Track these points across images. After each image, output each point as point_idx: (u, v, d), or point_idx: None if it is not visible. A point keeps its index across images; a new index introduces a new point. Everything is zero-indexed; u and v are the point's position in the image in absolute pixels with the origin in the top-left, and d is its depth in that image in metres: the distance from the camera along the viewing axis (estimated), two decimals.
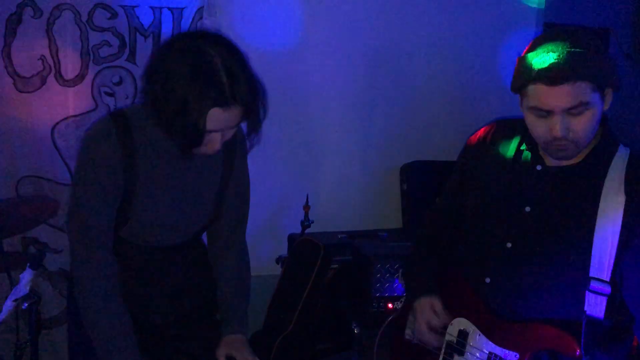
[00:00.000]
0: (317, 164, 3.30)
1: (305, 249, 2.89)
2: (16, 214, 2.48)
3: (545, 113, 1.43)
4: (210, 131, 1.46)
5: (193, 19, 2.96)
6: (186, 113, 1.41)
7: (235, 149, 1.74)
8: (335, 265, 2.86)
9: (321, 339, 2.83)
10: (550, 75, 1.38)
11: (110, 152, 1.55)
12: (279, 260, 3.05)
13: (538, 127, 1.46)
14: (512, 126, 1.62)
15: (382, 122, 3.39)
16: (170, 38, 1.53)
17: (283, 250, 3.10)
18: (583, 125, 1.42)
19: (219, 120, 1.45)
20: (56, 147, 2.92)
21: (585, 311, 1.44)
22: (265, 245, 3.03)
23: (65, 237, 2.96)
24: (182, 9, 2.93)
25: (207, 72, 1.41)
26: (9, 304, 1.85)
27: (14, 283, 2.45)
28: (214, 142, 1.50)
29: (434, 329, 1.68)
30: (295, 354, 2.72)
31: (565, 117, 1.41)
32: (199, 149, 1.51)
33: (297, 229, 3.03)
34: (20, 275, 1.88)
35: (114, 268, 1.63)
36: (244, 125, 1.60)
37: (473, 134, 1.74)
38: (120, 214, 1.62)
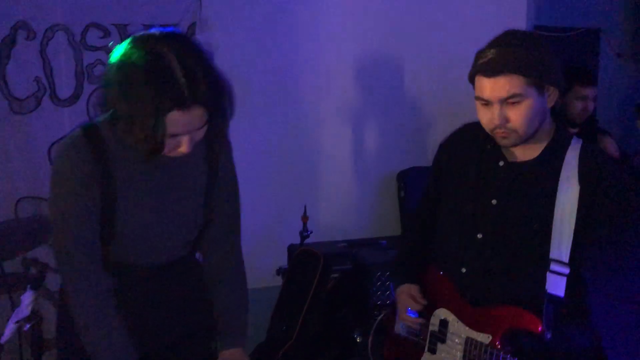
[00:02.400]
0: (314, 174, 3.31)
1: (305, 260, 2.89)
2: (16, 235, 2.49)
3: (486, 102, 1.59)
4: (173, 135, 1.40)
5: (187, 33, 2.97)
6: (144, 118, 1.34)
7: (219, 149, 1.65)
8: (336, 275, 2.86)
9: (324, 349, 2.83)
10: (488, 68, 1.55)
11: (82, 163, 1.48)
12: (279, 271, 3.05)
13: (483, 116, 1.63)
14: (477, 128, 1.73)
15: (378, 130, 3.40)
16: (125, 42, 1.44)
17: (283, 261, 3.10)
18: (519, 115, 1.56)
19: (180, 123, 1.38)
20: None
21: (547, 290, 1.56)
22: (265, 256, 3.03)
23: None
24: (175, 25, 2.95)
25: (162, 73, 1.34)
26: (11, 326, 1.85)
27: (15, 304, 2.45)
28: (182, 145, 1.43)
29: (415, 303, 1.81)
30: None
31: (503, 106, 1.56)
32: (167, 153, 1.44)
33: (296, 240, 3.04)
34: (22, 297, 1.87)
35: (107, 284, 1.57)
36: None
37: (445, 138, 1.90)
38: (105, 229, 1.54)
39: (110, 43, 1.74)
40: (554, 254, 1.57)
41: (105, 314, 1.56)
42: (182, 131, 1.41)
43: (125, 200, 1.54)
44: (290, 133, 3.22)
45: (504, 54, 1.54)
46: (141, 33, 1.44)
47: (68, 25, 2.84)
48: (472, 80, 1.64)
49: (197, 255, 1.79)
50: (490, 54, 1.55)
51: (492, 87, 1.56)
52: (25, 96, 2.85)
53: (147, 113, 1.34)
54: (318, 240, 3.07)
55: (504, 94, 1.55)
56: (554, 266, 1.57)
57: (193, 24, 2.98)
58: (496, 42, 1.58)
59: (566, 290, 1.55)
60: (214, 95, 1.41)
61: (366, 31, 3.30)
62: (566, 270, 1.56)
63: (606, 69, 4.29)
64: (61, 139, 1.64)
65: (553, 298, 1.55)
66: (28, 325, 1.87)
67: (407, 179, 3.32)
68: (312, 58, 3.23)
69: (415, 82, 3.41)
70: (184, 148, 1.44)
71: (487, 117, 1.61)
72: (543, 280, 1.57)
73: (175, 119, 1.37)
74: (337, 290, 2.85)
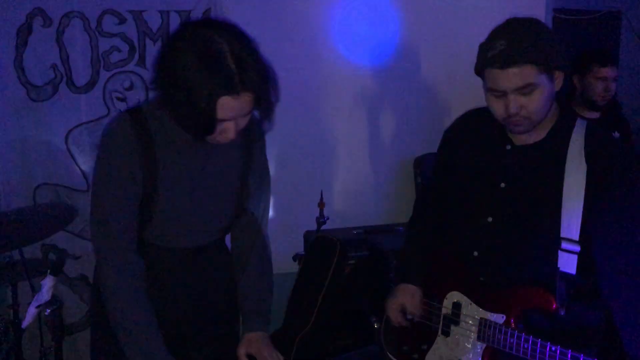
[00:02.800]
0: (330, 161, 3.30)
1: (322, 246, 2.89)
2: (34, 221, 2.51)
3: (500, 93, 1.61)
4: (222, 120, 1.44)
5: None
6: (196, 104, 1.39)
7: (254, 138, 1.71)
8: (352, 261, 2.86)
9: (341, 335, 2.83)
10: (500, 60, 1.57)
11: (128, 147, 1.54)
12: (295, 257, 3.05)
13: (495, 106, 1.65)
14: (483, 113, 1.76)
15: (395, 116, 3.38)
16: (177, 28, 1.50)
17: (299, 247, 3.10)
18: (533, 103, 1.59)
19: (230, 109, 1.43)
20: (70, 154, 2.95)
21: (559, 268, 1.59)
22: (281, 243, 3.02)
23: (83, 243, 3.00)
24: (190, 11, 2.95)
25: (215, 60, 1.39)
26: (32, 311, 1.87)
27: (35, 290, 2.48)
28: (227, 131, 1.48)
29: (404, 312, 1.88)
30: (316, 351, 2.73)
31: (517, 96, 1.59)
32: (213, 138, 1.49)
33: (313, 226, 3.04)
34: (42, 282, 1.89)
35: (140, 267, 1.61)
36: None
37: (449, 125, 1.92)
38: (143, 212, 1.60)
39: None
40: (564, 232, 1.59)
41: (136, 295, 1.60)
42: (231, 116, 1.45)
43: (165, 185, 1.59)
44: (306, 119, 3.20)
45: (515, 45, 1.56)
46: (194, 20, 1.48)
47: (84, 12, 2.85)
48: (480, 72, 1.66)
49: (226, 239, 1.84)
50: (500, 45, 1.57)
51: (506, 78, 1.57)
52: (42, 83, 2.87)
53: (199, 98, 1.38)
54: (334, 227, 3.06)
55: (519, 84, 1.57)
56: (565, 244, 1.59)
57: (208, 10, 2.97)
58: (503, 33, 1.60)
59: (577, 267, 1.58)
60: (262, 82, 1.45)
61: (383, 17, 3.26)
62: (577, 248, 1.58)
63: (627, 52, 4.22)
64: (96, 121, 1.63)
65: (565, 276, 1.58)
66: (49, 310, 1.89)
67: (424, 165, 3.29)
68: (329, 44, 3.20)
69: (432, 67, 3.37)
70: (230, 134, 1.49)
71: (501, 107, 1.63)
72: (555, 258, 1.60)
73: (226, 105, 1.41)
74: (354, 277, 2.85)
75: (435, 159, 1.96)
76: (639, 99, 4.19)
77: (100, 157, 1.59)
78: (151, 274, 1.65)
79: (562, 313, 1.56)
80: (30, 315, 1.87)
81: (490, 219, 1.72)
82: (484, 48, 1.63)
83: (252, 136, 1.70)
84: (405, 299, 1.87)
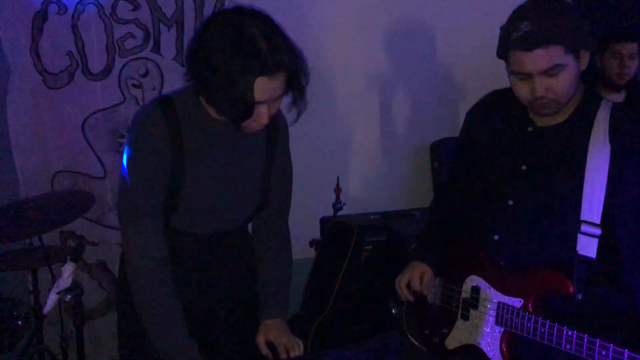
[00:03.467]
0: (346, 146, 3.28)
1: (338, 231, 2.89)
2: (53, 208, 2.53)
3: (526, 76, 1.57)
4: (259, 102, 1.47)
5: (215, 6, 2.95)
6: (233, 87, 1.43)
7: (278, 130, 1.74)
8: (370, 247, 2.85)
9: (359, 320, 2.83)
10: (525, 41, 1.52)
11: (158, 136, 1.57)
12: (312, 243, 3.05)
13: (521, 89, 1.61)
14: (505, 95, 1.73)
15: (410, 100, 3.35)
16: (208, 17, 1.56)
17: (316, 233, 3.10)
18: (560, 84, 1.56)
19: (266, 90, 1.46)
20: (87, 141, 2.96)
21: (577, 251, 1.56)
22: (298, 228, 2.98)
23: (101, 230, 3.02)
24: None
25: (247, 43, 1.43)
26: (53, 297, 1.88)
27: (55, 276, 2.51)
28: (262, 116, 1.51)
29: (410, 289, 1.87)
30: (334, 336, 2.73)
31: (544, 78, 1.55)
32: (248, 124, 1.52)
33: (329, 212, 3.03)
34: (62, 268, 1.91)
35: (165, 252, 1.65)
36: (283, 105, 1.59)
37: (471, 107, 1.89)
38: (170, 200, 1.63)
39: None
40: (584, 215, 1.57)
41: (161, 280, 1.63)
42: (267, 97, 1.49)
43: (191, 173, 1.62)
44: (321, 105, 3.17)
45: (540, 25, 1.51)
46: (223, 9, 1.50)
47: None
48: (503, 55, 1.62)
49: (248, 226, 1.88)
50: (525, 26, 1.52)
51: (532, 60, 1.53)
52: (58, 70, 2.87)
53: (236, 82, 1.42)
54: (350, 213, 3.05)
55: (545, 65, 1.53)
56: (585, 227, 1.57)
57: None
58: (526, 13, 1.55)
59: (598, 251, 1.55)
60: (292, 62, 1.49)
61: (396, 2, 3.21)
62: (598, 232, 1.55)
63: None
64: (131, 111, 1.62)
65: (584, 259, 1.56)
66: (69, 296, 1.90)
67: (440, 150, 3.27)
68: (342, 28, 3.17)
69: (447, 51, 3.33)
70: (264, 119, 1.52)
71: (526, 90, 1.60)
72: (574, 242, 1.58)
73: (262, 86, 1.45)
74: (371, 262, 2.84)
75: (458, 141, 1.94)
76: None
77: (129, 145, 1.62)
78: (174, 258, 1.68)
79: (580, 298, 1.54)
80: (51, 301, 1.89)
81: (511, 202, 1.70)
82: (506, 30, 1.59)
83: (277, 128, 1.73)
84: (413, 276, 1.86)
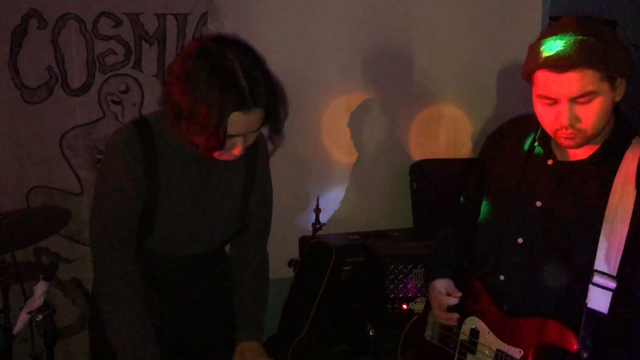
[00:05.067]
0: (326, 166, 3.28)
1: (317, 252, 2.88)
2: (27, 224, 2.48)
3: (552, 101, 1.42)
4: (232, 136, 1.45)
5: (197, 24, 2.95)
6: (207, 118, 1.40)
7: (257, 154, 1.73)
8: (348, 267, 2.85)
9: (336, 342, 2.81)
10: (557, 63, 1.37)
11: (133, 159, 1.55)
12: (290, 263, 3.04)
13: (545, 115, 1.46)
14: (528, 121, 1.60)
15: (390, 122, 3.37)
16: (188, 44, 1.54)
17: (295, 253, 3.09)
18: (591, 114, 1.40)
19: (240, 124, 1.44)
20: (65, 157, 2.93)
21: (586, 304, 1.42)
22: (277, 248, 2.98)
23: (76, 247, 2.97)
24: (187, 14, 2.93)
25: (226, 76, 1.41)
26: (23, 317, 1.84)
27: (27, 294, 2.45)
28: (235, 147, 1.49)
29: (446, 308, 1.71)
30: (311, 358, 2.71)
31: (572, 105, 1.40)
32: (221, 154, 1.50)
33: (309, 232, 3.02)
34: (34, 287, 1.87)
35: (137, 275, 1.62)
36: (264, 130, 1.58)
37: (493, 130, 1.75)
38: (144, 224, 1.61)
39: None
40: (599, 265, 1.42)
41: (131, 303, 1.61)
42: (241, 132, 1.47)
43: (166, 198, 1.60)
44: (302, 124, 3.19)
45: (575, 46, 1.35)
46: (205, 36, 1.50)
47: (79, 14, 2.82)
48: (529, 76, 1.47)
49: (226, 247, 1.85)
50: (557, 45, 1.37)
51: (561, 83, 1.38)
52: (36, 85, 2.84)
53: (211, 113, 1.40)
54: (330, 232, 3.05)
55: (575, 91, 1.38)
56: (598, 279, 1.42)
57: (205, 14, 2.95)
58: (560, 32, 1.40)
59: (611, 306, 1.41)
60: (271, 98, 1.47)
61: (378, 22, 3.24)
62: (612, 285, 1.40)
63: None
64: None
65: (594, 314, 1.41)
66: (41, 316, 1.86)
67: (420, 171, 3.29)
68: (325, 50, 3.19)
69: (425, 74, 3.36)
70: (237, 150, 1.50)
71: (551, 117, 1.44)
72: (585, 293, 1.43)
73: (236, 120, 1.43)
74: (350, 283, 2.83)
75: (475, 163, 1.80)
76: (634, 106, 4.20)
77: (103, 166, 1.60)
78: (148, 279, 1.65)
79: (585, 357, 1.39)
80: (21, 321, 1.85)
81: (520, 240, 1.56)
82: (536, 48, 1.43)
83: (257, 154, 1.71)
84: (438, 298, 1.71)
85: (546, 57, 1.38)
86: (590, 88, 1.37)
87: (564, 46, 1.36)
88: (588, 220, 1.45)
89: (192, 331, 1.76)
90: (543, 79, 1.41)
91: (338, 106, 3.27)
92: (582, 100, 1.39)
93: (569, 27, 1.41)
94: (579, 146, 1.47)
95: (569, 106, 1.40)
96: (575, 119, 1.41)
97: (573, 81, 1.37)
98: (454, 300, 1.70)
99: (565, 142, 1.47)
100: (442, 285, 1.74)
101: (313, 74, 3.18)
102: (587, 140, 1.46)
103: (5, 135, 2.84)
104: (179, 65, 1.46)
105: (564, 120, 1.41)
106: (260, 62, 1.49)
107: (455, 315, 1.69)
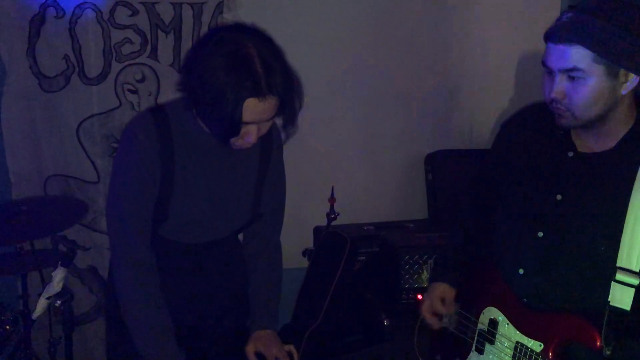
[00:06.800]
0: (341, 156, 3.28)
1: (332, 242, 2.88)
2: (45, 213, 2.51)
3: (548, 70, 1.44)
4: (247, 123, 1.46)
5: (213, 13, 2.94)
6: (223, 104, 1.41)
7: (272, 144, 1.73)
8: (362, 257, 2.85)
9: (350, 331, 2.82)
10: (557, 33, 1.40)
11: (149, 146, 1.56)
12: (305, 253, 3.04)
13: (544, 86, 1.47)
14: (543, 109, 1.54)
15: (405, 112, 3.35)
16: (207, 31, 1.55)
17: (309, 243, 3.09)
18: (578, 94, 1.40)
19: (255, 111, 1.45)
20: (82, 146, 2.95)
21: (609, 301, 1.41)
22: (291, 238, 3.00)
23: (93, 235, 3.00)
24: (202, 4, 2.93)
25: (243, 63, 1.41)
26: (42, 302, 1.87)
27: (45, 281, 2.48)
28: (250, 135, 1.50)
29: (436, 315, 1.76)
30: (325, 347, 2.72)
31: (564, 80, 1.41)
32: (235, 141, 1.51)
33: (323, 222, 3.02)
34: (52, 273, 1.90)
35: (151, 261, 1.64)
36: (278, 120, 1.59)
37: (507, 117, 1.72)
38: (159, 211, 1.62)
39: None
40: (622, 261, 1.40)
41: (148, 290, 1.63)
42: (256, 119, 1.47)
43: (181, 185, 1.61)
44: (316, 114, 3.18)
45: (576, 21, 1.36)
46: (225, 24, 1.50)
47: (96, 4, 2.84)
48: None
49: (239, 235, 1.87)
50: (566, 17, 1.39)
51: (556, 55, 1.40)
52: (54, 74, 2.86)
53: (227, 99, 1.41)
54: (344, 223, 3.05)
55: (564, 64, 1.39)
56: (620, 275, 1.40)
57: (221, 3, 2.95)
58: (580, 6, 1.40)
59: (634, 303, 1.39)
60: (287, 88, 1.48)
61: (396, 9, 3.22)
62: (635, 281, 1.39)
63: None
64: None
65: (616, 311, 1.40)
66: (59, 302, 1.89)
67: (435, 162, 3.27)
68: (339, 38, 3.17)
69: (441, 62, 3.34)
70: (252, 138, 1.51)
71: (547, 88, 1.46)
72: (607, 289, 1.42)
73: (251, 107, 1.44)
74: (364, 273, 2.84)
75: (487, 154, 1.76)
76: None
77: (119, 154, 1.62)
78: (162, 267, 1.67)
79: (607, 354, 1.38)
80: (40, 306, 1.88)
81: (540, 234, 1.53)
82: (558, 18, 1.44)
83: (271, 144, 1.72)
84: (434, 300, 1.75)
85: (552, 27, 1.42)
86: (579, 65, 1.37)
87: (567, 19, 1.39)
88: (610, 214, 1.43)
89: (205, 318, 1.77)
90: (547, 48, 1.44)
91: (353, 96, 3.26)
92: (572, 75, 1.39)
93: (590, 4, 1.41)
94: (569, 126, 1.47)
95: (560, 79, 1.41)
96: (563, 94, 1.42)
97: (562, 53, 1.38)
98: (444, 311, 1.73)
99: (557, 120, 1.48)
100: (441, 291, 1.76)
101: (328, 63, 3.17)
102: (577, 123, 1.45)
103: (23, 123, 2.87)
104: (197, 51, 1.48)
105: (552, 92, 1.42)
106: (278, 51, 1.50)
107: (438, 324, 1.75)
